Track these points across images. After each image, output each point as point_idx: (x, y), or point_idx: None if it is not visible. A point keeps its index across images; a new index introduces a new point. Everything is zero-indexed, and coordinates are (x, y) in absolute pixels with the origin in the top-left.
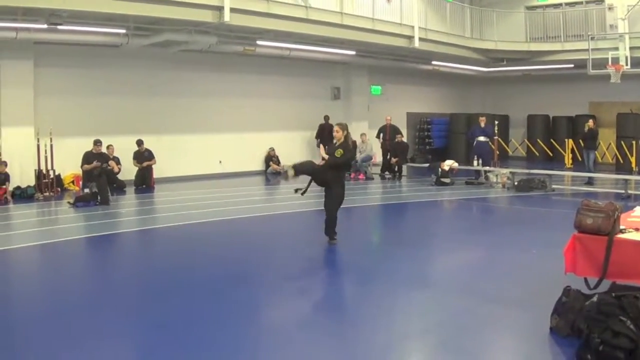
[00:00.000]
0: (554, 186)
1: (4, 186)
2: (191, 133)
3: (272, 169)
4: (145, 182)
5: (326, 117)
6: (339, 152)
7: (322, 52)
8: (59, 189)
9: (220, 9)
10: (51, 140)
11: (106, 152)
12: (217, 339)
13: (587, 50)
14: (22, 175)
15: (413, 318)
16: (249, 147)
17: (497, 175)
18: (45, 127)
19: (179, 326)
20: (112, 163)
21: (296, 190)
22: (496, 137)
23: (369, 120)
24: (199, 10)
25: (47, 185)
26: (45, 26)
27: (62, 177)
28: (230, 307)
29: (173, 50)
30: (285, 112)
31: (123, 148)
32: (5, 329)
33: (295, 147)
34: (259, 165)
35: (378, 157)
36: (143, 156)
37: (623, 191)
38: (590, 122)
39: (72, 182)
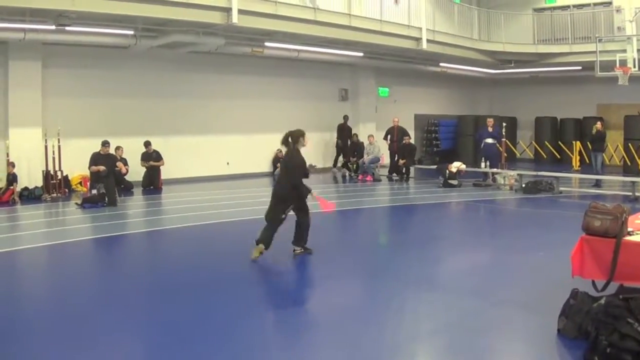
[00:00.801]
0: (561, 188)
1: (12, 187)
2: (199, 134)
3: (279, 171)
4: (152, 183)
5: (345, 117)
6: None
7: (329, 54)
8: (67, 190)
9: (228, 10)
10: (59, 141)
11: (114, 154)
12: (227, 337)
13: (594, 52)
14: (29, 176)
15: (421, 319)
16: (256, 148)
17: (504, 177)
18: (53, 128)
19: (188, 326)
20: (120, 164)
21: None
22: (504, 139)
23: (376, 121)
24: (207, 12)
25: (55, 186)
26: (53, 27)
27: (69, 178)
28: (240, 307)
29: (181, 51)
30: (293, 114)
31: (131, 149)
32: (16, 329)
33: (303, 148)
34: (266, 167)
35: (385, 159)
36: (151, 157)
37: (630, 193)
38: (598, 124)
39: (80, 183)
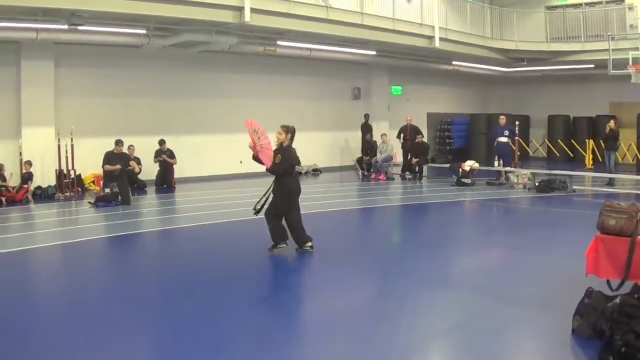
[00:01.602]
0: (574, 187)
1: (27, 185)
2: (212, 133)
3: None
4: (166, 182)
5: (367, 116)
6: (277, 158)
7: (342, 53)
8: (80, 189)
9: (240, 9)
10: (72, 141)
11: (127, 153)
12: (241, 335)
13: (607, 50)
14: (43, 176)
15: (435, 319)
16: None
17: (518, 176)
18: (66, 128)
19: (202, 324)
20: (133, 163)
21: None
22: (517, 138)
23: (389, 120)
24: (220, 11)
25: (68, 185)
26: (66, 27)
27: (82, 177)
28: (252, 306)
29: (194, 51)
30: (306, 113)
31: (144, 148)
32: (31, 326)
33: (316, 147)
34: None
35: (399, 158)
36: (164, 154)
37: None
38: (612, 123)
39: (93, 182)
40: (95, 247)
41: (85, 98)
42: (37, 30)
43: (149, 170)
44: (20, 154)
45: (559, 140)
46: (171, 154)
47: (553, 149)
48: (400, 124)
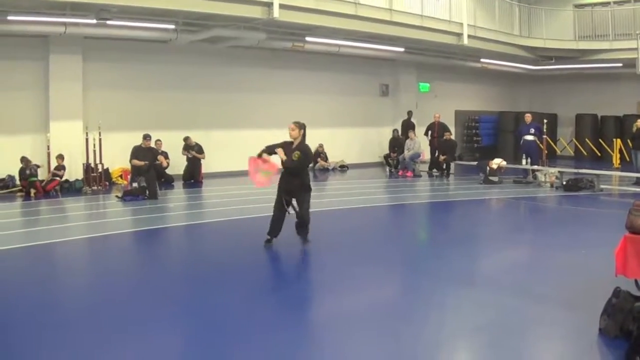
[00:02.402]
0: (602, 186)
1: (58, 178)
2: (239, 128)
3: (319, 165)
4: (193, 176)
5: (409, 113)
6: (296, 155)
7: (370, 49)
8: (107, 183)
9: (269, 5)
10: (100, 135)
11: (155, 147)
12: (266, 330)
13: (635, 49)
14: (70, 169)
15: (461, 316)
16: None
17: (545, 175)
18: (94, 122)
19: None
20: (160, 158)
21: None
22: (545, 136)
23: (417, 117)
24: (249, 7)
25: (95, 179)
26: (94, 21)
27: (110, 171)
28: (278, 302)
29: (222, 46)
30: (333, 108)
31: (171, 143)
32: (58, 318)
33: (344, 143)
34: None
35: (426, 155)
36: (192, 148)
37: None
38: (639, 122)
39: (120, 176)
40: (122, 240)
41: (113, 92)
42: (65, 24)
43: (176, 165)
44: (48, 147)
45: (587, 139)
46: (199, 149)
47: (580, 148)
48: (428, 120)
